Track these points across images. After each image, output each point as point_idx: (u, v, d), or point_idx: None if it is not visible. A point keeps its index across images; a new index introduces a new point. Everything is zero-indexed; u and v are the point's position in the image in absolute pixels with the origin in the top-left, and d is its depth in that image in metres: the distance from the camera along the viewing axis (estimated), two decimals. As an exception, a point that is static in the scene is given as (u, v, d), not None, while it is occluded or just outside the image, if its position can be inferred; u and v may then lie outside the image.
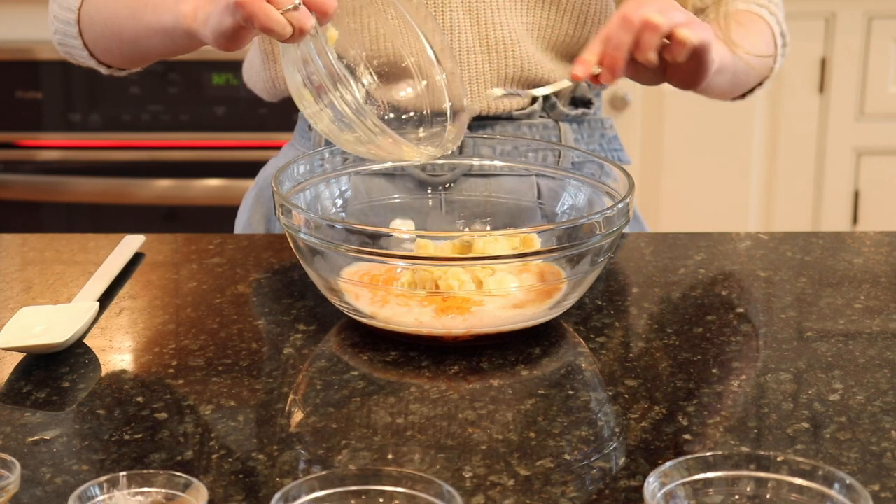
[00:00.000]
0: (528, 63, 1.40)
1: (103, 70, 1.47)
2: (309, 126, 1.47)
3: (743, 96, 1.47)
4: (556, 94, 1.43)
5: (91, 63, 1.45)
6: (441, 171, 1.35)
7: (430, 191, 1.35)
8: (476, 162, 1.34)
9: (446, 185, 1.35)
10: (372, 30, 1.34)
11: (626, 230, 1.45)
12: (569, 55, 1.43)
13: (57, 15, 1.43)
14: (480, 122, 1.41)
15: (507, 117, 1.42)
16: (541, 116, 1.43)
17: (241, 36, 1.17)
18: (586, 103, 1.47)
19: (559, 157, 1.30)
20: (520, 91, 1.37)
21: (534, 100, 1.41)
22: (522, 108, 1.42)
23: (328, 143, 1.41)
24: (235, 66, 2.52)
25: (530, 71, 1.40)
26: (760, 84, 1.47)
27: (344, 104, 1.14)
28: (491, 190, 1.35)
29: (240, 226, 1.55)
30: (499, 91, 1.36)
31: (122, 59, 1.43)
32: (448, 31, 1.37)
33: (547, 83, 1.42)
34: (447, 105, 1.30)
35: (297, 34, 1.12)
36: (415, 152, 1.21)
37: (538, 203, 1.34)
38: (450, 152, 1.26)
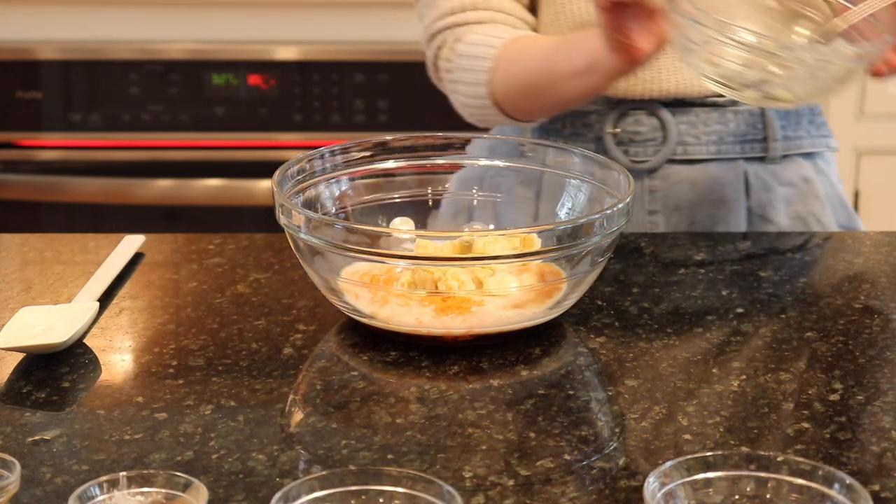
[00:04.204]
0: None
1: (525, 126, 1.49)
2: None
3: None
4: None
5: (510, 122, 1.47)
6: (644, 157, 1.33)
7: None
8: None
9: (650, 172, 1.32)
10: None
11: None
12: None
13: (467, 104, 1.45)
14: (685, 108, 1.40)
15: (712, 104, 1.41)
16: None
17: (622, 30, 1.16)
18: None
19: (767, 148, 1.28)
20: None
21: None
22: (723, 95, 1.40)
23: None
24: (235, 66, 2.52)
25: None
26: None
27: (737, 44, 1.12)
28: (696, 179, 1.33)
29: None
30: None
31: (541, 113, 1.44)
32: None
33: None
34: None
35: None
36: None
37: (745, 194, 1.31)
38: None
